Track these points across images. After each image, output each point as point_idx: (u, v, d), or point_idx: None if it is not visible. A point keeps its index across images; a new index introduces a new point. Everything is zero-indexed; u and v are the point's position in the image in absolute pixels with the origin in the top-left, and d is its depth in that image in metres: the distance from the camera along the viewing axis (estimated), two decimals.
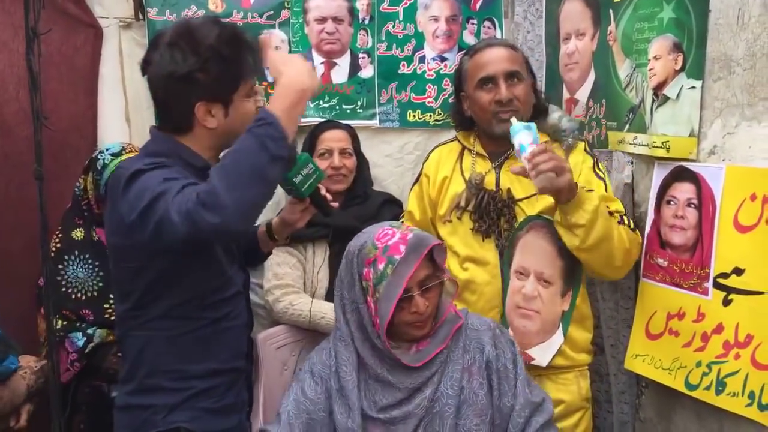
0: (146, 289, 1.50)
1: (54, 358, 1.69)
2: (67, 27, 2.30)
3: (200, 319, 1.53)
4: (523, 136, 1.69)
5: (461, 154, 2.03)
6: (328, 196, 1.74)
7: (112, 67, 2.42)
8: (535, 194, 1.87)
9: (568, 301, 1.91)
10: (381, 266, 1.44)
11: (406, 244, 1.45)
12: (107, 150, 2.08)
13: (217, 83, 1.47)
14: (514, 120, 1.75)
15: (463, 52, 2.58)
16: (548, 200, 1.82)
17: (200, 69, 1.44)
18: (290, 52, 2.49)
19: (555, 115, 1.96)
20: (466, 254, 1.94)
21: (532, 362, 1.89)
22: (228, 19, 2.39)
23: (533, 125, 1.74)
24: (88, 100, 2.38)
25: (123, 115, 2.45)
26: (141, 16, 2.39)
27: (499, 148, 1.95)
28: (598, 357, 2.21)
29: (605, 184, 1.89)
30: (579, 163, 1.90)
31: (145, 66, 1.51)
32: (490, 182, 1.94)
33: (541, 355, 1.90)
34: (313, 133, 2.33)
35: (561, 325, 1.90)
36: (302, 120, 2.48)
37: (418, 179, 2.13)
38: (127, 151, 2.07)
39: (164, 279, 1.48)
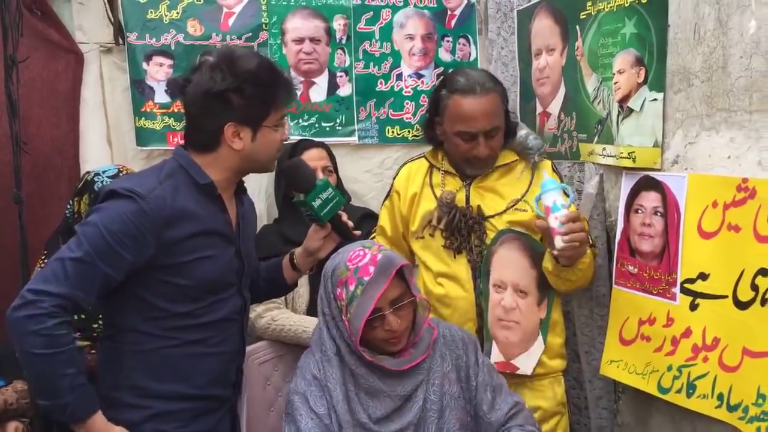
0: (113, 300, 1.54)
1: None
2: (48, 53, 2.34)
3: (169, 339, 1.56)
4: (558, 195, 1.76)
5: (429, 170, 2.07)
6: (350, 223, 1.77)
7: (93, 91, 2.46)
8: (504, 211, 1.94)
9: (544, 309, 1.97)
10: (352, 287, 1.50)
11: (375, 265, 1.50)
12: (104, 172, 2.06)
13: (250, 106, 1.53)
14: (546, 174, 1.83)
15: (440, 74, 2.68)
16: (517, 215, 1.91)
17: (236, 89, 1.51)
18: None
19: (522, 132, 2.01)
20: (439, 270, 1.99)
21: (518, 372, 1.93)
22: (207, 42, 2.45)
23: (569, 187, 1.84)
24: (69, 123, 2.42)
25: (104, 137, 2.49)
26: (121, 41, 2.44)
27: None
28: (576, 364, 2.25)
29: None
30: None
31: (185, 84, 1.57)
32: (460, 199, 1.98)
33: (525, 363, 1.94)
34: (293, 153, 2.36)
35: (540, 332, 1.96)
36: None
37: (389, 195, 2.17)
38: (123, 173, 2.08)
39: (127, 294, 1.53)
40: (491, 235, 1.94)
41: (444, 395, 1.61)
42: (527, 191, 1.95)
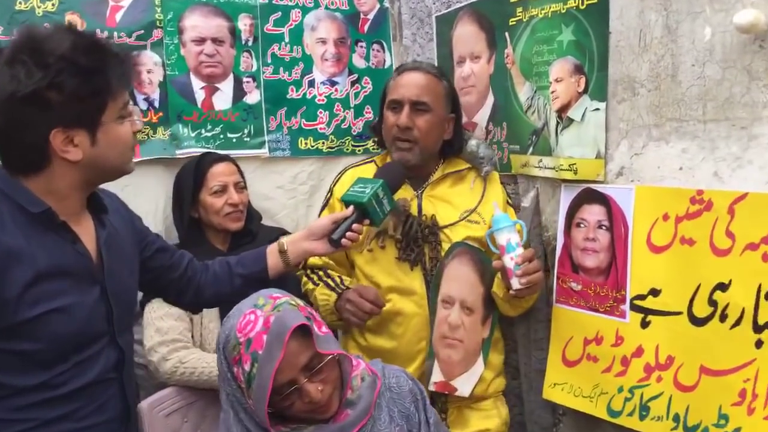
0: None
1: None
2: None
3: (22, 422, 1.21)
4: (512, 234, 1.69)
5: None
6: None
7: None
8: (457, 222, 1.86)
9: (488, 327, 1.88)
10: (247, 366, 1.21)
11: (267, 332, 1.21)
12: None
13: (77, 103, 1.18)
14: (497, 208, 1.75)
15: (354, 81, 2.57)
16: (471, 228, 1.84)
17: (50, 85, 1.15)
18: (165, 76, 2.23)
19: (473, 142, 1.93)
20: (390, 285, 1.85)
21: (456, 393, 1.83)
22: None
23: (523, 224, 1.77)
24: None
25: None
26: None
27: (418, 174, 1.89)
28: (517, 380, 2.16)
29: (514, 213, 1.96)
30: (499, 193, 1.92)
31: None
32: (412, 209, 1.87)
33: (464, 385, 1.85)
34: (200, 168, 2.08)
35: (482, 352, 1.86)
36: (179, 152, 2.23)
37: (327, 203, 1.98)
38: None
39: None
40: (445, 246, 1.85)
41: None
42: (480, 203, 1.89)
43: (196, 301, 1.61)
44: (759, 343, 1.41)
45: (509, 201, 1.96)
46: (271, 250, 1.62)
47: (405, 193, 1.87)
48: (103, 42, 1.25)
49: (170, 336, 1.90)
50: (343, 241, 1.58)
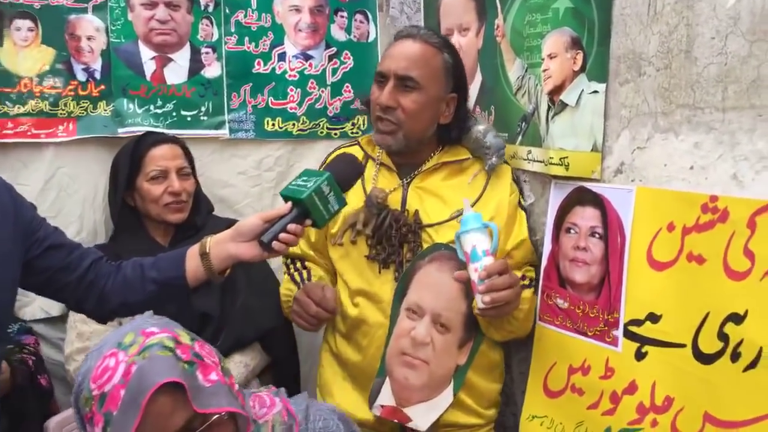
0: None
1: None
2: None
3: None
4: (480, 238, 1.40)
5: (364, 161, 1.67)
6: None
7: None
8: (446, 221, 1.56)
9: (465, 354, 1.58)
10: (98, 430, 0.94)
11: (125, 387, 0.95)
12: None
13: None
14: (467, 205, 1.46)
15: (332, 55, 2.28)
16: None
17: None
18: (109, 44, 1.97)
19: (479, 127, 1.61)
20: (358, 287, 1.60)
21: (409, 424, 1.55)
22: (23, 1, 1.85)
23: (495, 227, 1.44)
24: None
25: None
26: None
27: (409, 160, 1.62)
28: (506, 407, 1.90)
29: (525, 218, 1.64)
30: (506, 195, 1.60)
31: None
32: (395, 201, 1.59)
33: (421, 417, 1.55)
34: (137, 150, 1.82)
35: (453, 382, 1.56)
36: (122, 130, 1.98)
37: None
38: None
39: None
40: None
41: None
42: (477, 201, 1.57)
43: (101, 309, 1.36)
44: None
45: (522, 203, 1.63)
46: (192, 253, 1.35)
47: (388, 181, 1.61)
48: None
49: (92, 342, 1.66)
50: (275, 244, 1.30)
